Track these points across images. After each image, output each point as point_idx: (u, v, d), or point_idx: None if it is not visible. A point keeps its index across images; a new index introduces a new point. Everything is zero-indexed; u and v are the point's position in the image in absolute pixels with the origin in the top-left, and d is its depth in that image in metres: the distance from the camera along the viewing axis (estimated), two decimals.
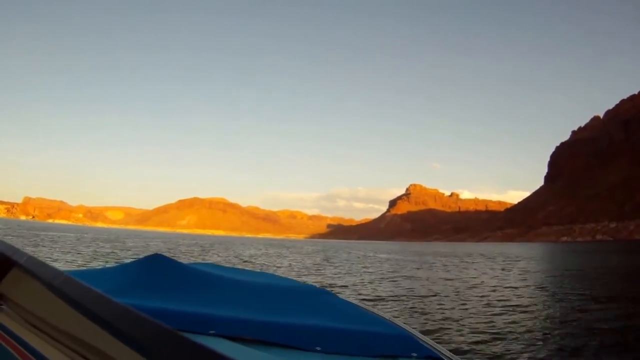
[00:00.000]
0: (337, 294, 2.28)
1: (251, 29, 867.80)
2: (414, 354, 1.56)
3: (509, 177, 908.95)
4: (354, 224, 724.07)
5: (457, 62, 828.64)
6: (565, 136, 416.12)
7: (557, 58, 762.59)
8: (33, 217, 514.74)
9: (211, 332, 1.47)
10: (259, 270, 5.86)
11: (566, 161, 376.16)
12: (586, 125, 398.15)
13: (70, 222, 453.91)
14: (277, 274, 4.82)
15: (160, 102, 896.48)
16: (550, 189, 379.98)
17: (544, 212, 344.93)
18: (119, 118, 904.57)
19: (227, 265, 3.05)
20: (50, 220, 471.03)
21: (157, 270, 1.99)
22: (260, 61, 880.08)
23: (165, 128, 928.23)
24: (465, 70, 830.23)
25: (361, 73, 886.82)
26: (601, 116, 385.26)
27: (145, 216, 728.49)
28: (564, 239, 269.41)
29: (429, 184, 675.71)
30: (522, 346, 6.28)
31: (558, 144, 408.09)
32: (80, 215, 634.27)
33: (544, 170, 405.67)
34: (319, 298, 2.08)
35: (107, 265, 2.99)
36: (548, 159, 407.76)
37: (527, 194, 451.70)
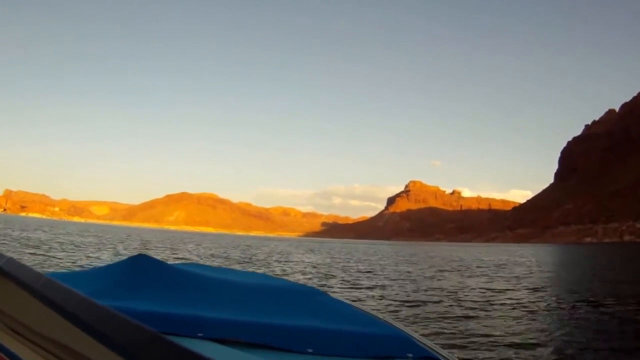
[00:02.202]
0: (331, 294, 2.21)
1: (245, 21, 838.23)
2: (410, 355, 1.51)
3: (511, 176, 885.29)
4: (350, 222, 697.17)
5: (457, 55, 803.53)
6: (572, 133, 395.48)
7: (562, 53, 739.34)
8: (5, 210, 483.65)
9: (199, 334, 1.42)
10: (248, 270, 5.61)
11: (580, 157, 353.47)
12: (601, 119, 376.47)
13: (44, 216, 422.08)
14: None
15: (148, 93, 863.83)
16: (562, 186, 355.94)
17: (560, 211, 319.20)
18: (105, 110, 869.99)
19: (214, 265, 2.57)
20: (23, 214, 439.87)
21: (141, 271, 1.90)
22: (253, 54, 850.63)
23: (153, 120, 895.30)
24: (466, 64, 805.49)
25: (358, 66, 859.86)
26: (617, 109, 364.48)
27: (131, 211, 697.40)
28: (588, 239, 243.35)
29: (428, 181, 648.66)
30: None
31: (570, 139, 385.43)
32: (57, 209, 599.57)
33: (548, 168, 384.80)
34: (311, 298, 2.00)
35: (90, 267, 2.92)
36: (554, 156, 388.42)
37: (530, 192, 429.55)
